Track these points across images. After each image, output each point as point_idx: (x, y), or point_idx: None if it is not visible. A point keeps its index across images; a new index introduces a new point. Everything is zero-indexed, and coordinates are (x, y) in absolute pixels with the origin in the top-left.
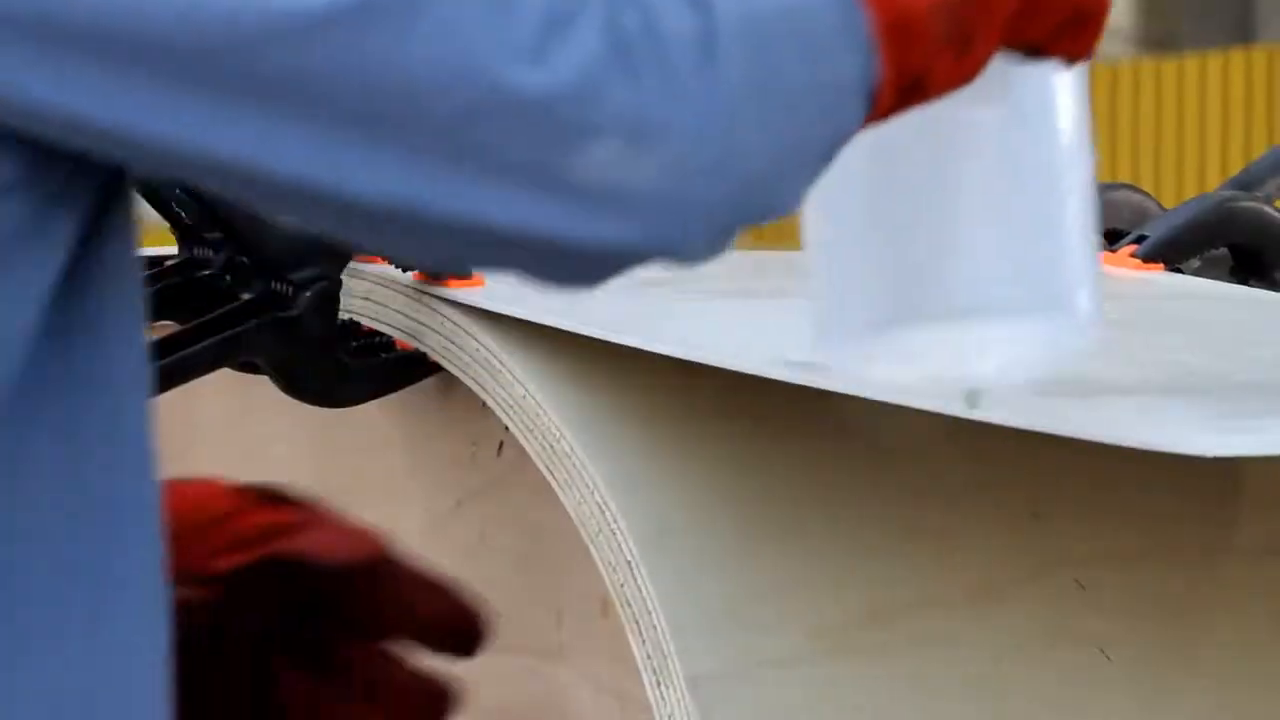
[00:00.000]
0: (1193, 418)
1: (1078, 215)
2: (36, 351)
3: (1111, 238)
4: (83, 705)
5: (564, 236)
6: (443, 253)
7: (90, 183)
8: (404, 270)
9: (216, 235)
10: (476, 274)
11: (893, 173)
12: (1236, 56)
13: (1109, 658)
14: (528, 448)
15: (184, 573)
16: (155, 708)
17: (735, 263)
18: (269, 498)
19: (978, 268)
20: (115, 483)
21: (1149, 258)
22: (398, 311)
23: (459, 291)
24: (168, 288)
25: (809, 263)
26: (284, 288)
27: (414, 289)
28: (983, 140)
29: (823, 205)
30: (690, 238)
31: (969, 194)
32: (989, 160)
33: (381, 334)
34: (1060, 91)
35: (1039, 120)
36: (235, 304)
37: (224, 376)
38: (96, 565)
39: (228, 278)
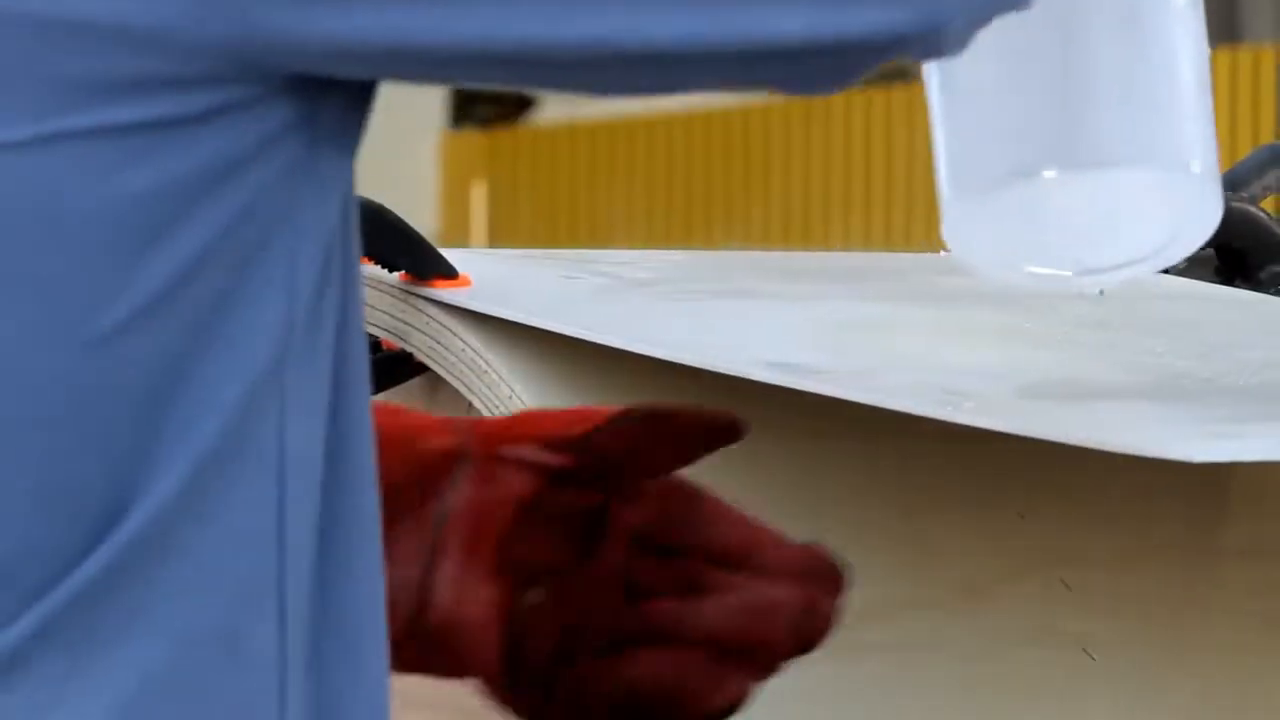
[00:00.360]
0: (1180, 423)
1: (1195, 82)
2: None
3: None
4: None
5: (843, 32)
6: (723, 78)
7: (355, 120)
8: (390, 270)
9: None
10: (462, 274)
11: (1022, 28)
12: (1222, 56)
13: (1094, 658)
14: None
15: (537, 438)
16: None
17: (725, 263)
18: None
19: (1100, 121)
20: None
21: None
22: (384, 312)
23: (445, 292)
24: None
25: (935, 118)
26: None
27: (400, 289)
28: (1106, 5)
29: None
30: (952, 22)
31: (1094, 52)
32: (1111, 24)
33: (368, 334)
34: None
35: None
36: None
37: None
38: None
39: None
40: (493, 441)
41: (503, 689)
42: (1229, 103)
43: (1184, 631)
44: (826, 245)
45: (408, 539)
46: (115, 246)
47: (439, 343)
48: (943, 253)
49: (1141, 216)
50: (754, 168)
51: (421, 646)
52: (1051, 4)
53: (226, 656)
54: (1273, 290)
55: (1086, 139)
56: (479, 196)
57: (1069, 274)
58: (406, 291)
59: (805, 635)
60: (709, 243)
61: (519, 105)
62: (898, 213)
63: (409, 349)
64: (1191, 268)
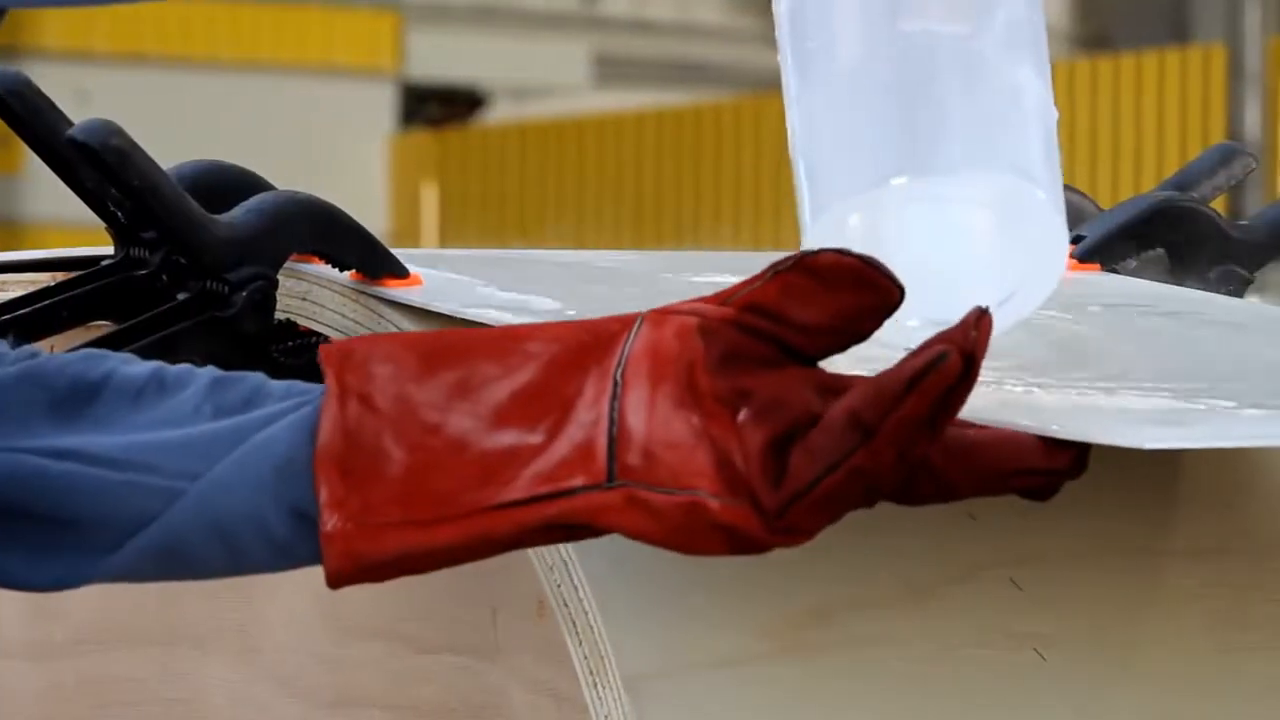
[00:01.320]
0: (1130, 413)
1: (1039, 111)
2: None
3: None
4: None
5: None
6: None
7: None
8: (341, 269)
9: (153, 235)
10: (414, 274)
11: (877, 56)
12: (1171, 56)
13: (1044, 658)
14: None
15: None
16: None
17: (675, 261)
18: None
19: (951, 134)
20: None
21: (1085, 258)
22: (334, 311)
23: (396, 291)
24: (104, 288)
25: (794, 144)
26: (220, 287)
27: (351, 289)
28: (955, 47)
29: (807, 86)
30: None
31: (942, 81)
32: (959, 61)
33: (318, 334)
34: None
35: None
36: (171, 304)
37: None
38: None
39: (164, 277)
40: (662, 310)
41: (725, 499)
42: (1179, 103)
43: (1134, 632)
44: (777, 245)
45: (593, 386)
46: None
47: None
48: None
49: (989, 256)
50: (704, 167)
51: (631, 475)
52: (897, 31)
53: None
54: (1224, 290)
55: (934, 149)
56: (429, 197)
57: (914, 324)
58: (358, 291)
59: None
60: (659, 243)
61: (469, 106)
62: None
63: None
64: (1143, 267)
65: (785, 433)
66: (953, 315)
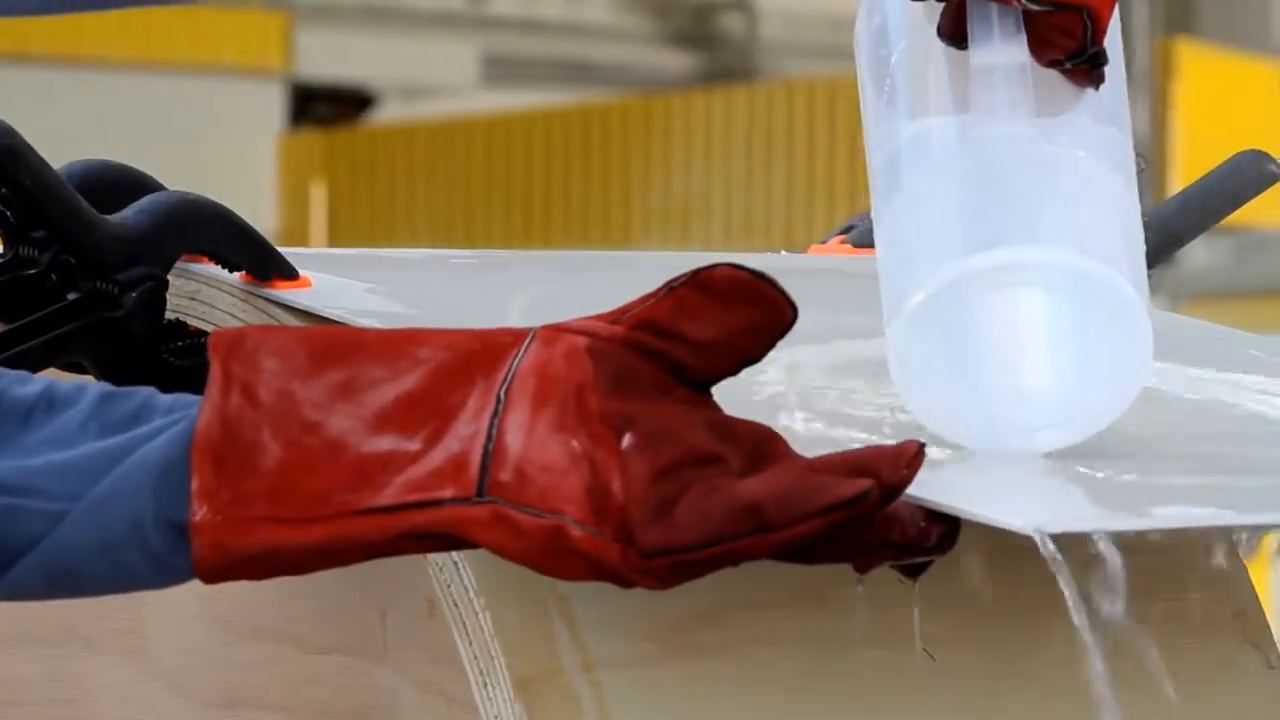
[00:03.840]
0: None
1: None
2: None
3: None
4: None
5: None
6: None
7: None
8: (230, 270)
9: (42, 234)
10: (303, 276)
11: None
12: None
13: (934, 659)
14: None
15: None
16: None
17: (564, 262)
18: None
19: (1039, 220)
20: None
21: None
22: (224, 311)
23: (285, 293)
24: None
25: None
26: (110, 287)
27: (240, 289)
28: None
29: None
30: None
31: (1027, 175)
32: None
33: (207, 334)
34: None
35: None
36: (61, 304)
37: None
38: None
39: (53, 277)
40: (554, 327)
41: (588, 528)
42: None
43: (1026, 633)
44: (665, 244)
45: (476, 400)
46: None
47: None
48: (783, 252)
49: (1072, 343)
50: (593, 167)
51: (501, 492)
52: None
53: None
54: None
55: (1022, 232)
56: (318, 196)
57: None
58: (247, 291)
59: (905, 462)
60: (547, 243)
61: (358, 106)
62: (738, 214)
63: None
64: None
65: (670, 466)
66: (1028, 411)
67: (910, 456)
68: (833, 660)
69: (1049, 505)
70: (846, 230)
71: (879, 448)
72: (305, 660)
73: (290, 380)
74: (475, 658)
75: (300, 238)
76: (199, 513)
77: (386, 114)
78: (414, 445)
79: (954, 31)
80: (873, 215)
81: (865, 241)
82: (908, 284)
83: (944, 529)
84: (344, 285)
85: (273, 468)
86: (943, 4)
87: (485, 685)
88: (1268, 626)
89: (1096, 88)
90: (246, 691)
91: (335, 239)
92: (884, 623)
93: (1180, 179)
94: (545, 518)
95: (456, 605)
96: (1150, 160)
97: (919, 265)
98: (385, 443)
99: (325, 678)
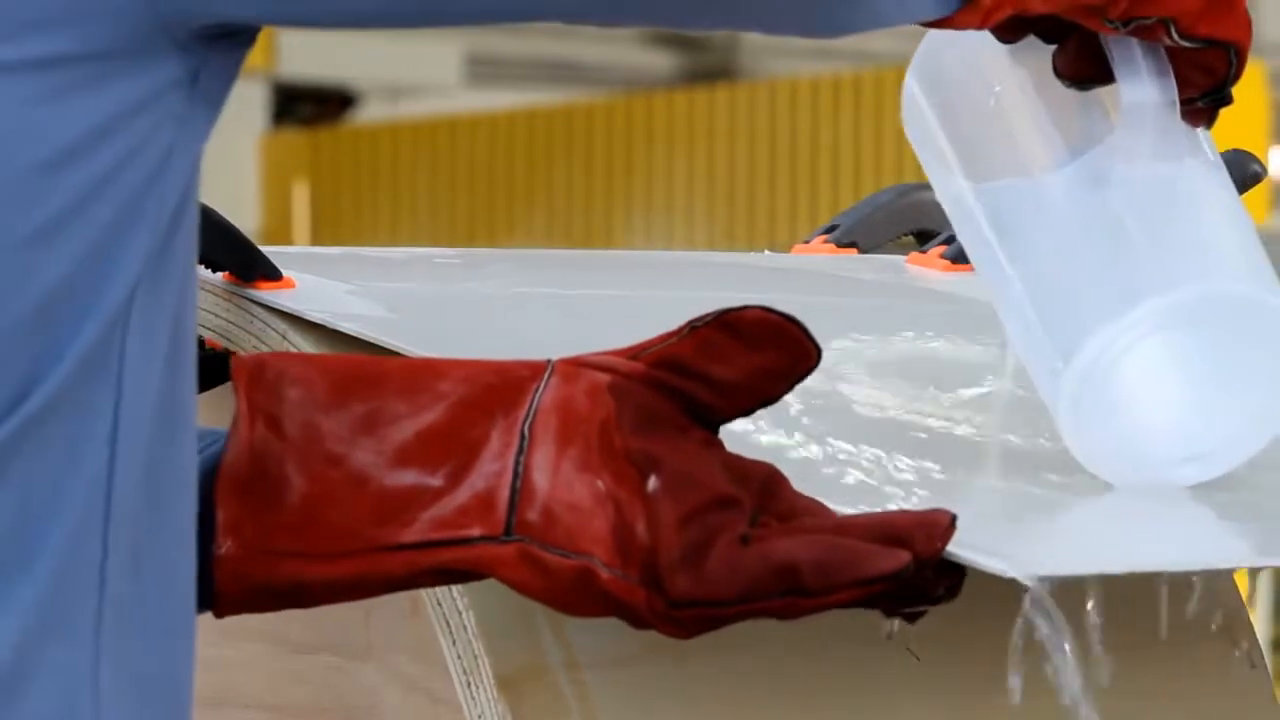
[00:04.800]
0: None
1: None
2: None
3: (922, 238)
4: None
5: None
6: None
7: (226, 81)
8: (214, 270)
9: None
10: (287, 277)
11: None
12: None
13: (919, 658)
14: None
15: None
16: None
17: (542, 261)
18: None
19: (1180, 255)
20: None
21: (958, 258)
22: (208, 311)
23: (268, 294)
24: None
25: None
26: None
27: (224, 290)
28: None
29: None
30: None
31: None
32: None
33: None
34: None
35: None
36: None
37: None
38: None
39: None
40: (572, 362)
41: (615, 570)
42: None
43: (1009, 633)
44: (648, 243)
45: (500, 436)
46: (35, 164)
47: (263, 342)
48: (766, 251)
49: (1238, 377)
50: (576, 167)
51: (529, 531)
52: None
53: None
54: None
55: (1167, 272)
56: (300, 196)
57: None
58: (231, 291)
59: (935, 533)
60: (530, 242)
61: (341, 105)
62: (721, 213)
63: (233, 348)
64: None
65: (695, 510)
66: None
67: (944, 529)
68: (817, 660)
69: (1045, 545)
70: (830, 230)
71: (911, 515)
72: (291, 659)
73: (314, 412)
74: (459, 657)
75: (283, 238)
76: (223, 545)
77: (369, 113)
78: (437, 481)
79: (1073, 72)
80: (999, 259)
81: (848, 241)
82: (1072, 329)
83: (951, 580)
84: (326, 286)
85: (297, 502)
86: (1051, 46)
87: (469, 684)
88: (1251, 626)
89: (1209, 127)
90: (233, 690)
91: (318, 239)
92: (868, 622)
93: None
94: (572, 558)
95: (440, 605)
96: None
97: (1079, 310)
98: (408, 477)
99: (311, 677)
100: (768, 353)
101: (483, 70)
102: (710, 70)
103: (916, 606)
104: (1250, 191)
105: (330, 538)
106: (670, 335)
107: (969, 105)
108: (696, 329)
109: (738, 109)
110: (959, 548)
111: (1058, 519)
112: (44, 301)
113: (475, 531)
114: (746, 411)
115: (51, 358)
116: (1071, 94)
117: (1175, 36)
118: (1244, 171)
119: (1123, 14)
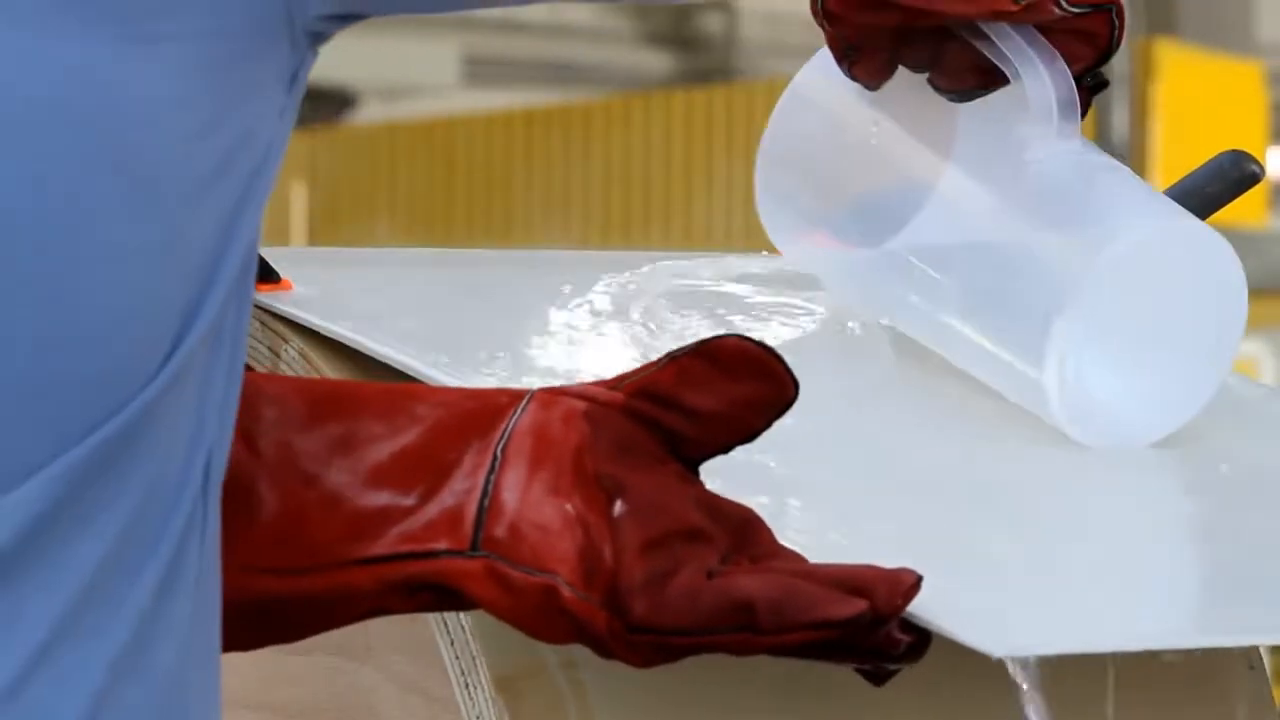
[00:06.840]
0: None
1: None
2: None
3: None
4: None
5: None
6: None
7: (305, 76)
8: None
9: None
10: (284, 279)
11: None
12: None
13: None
14: None
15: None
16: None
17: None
18: None
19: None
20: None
21: None
22: None
23: (266, 296)
24: None
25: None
26: None
27: None
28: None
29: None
30: None
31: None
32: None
33: None
34: None
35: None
36: None
37: None
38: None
39: None
40: (552, 391)
41: (578, 590)
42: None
43: None
44: (646, 244)
45: (473, 458)
46: (192, 122)
47: (261, 344)
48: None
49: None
50: (574, 167)
51: (495, 548)
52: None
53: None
54: None
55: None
56: (298, 196)
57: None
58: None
59: (900, 589)
60: (528, 242)
61: (339, 106)
62: (718, 214)
63: None
64: None
65: (660, 537)
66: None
67: (907, 588)
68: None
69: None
70: None
71: (877, 570)
72: (287, 660)
73: (290, 432)
74: (456, 657)
75: (281, 238)
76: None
77: (367, 114)
78: (409, 500)
79: (957, 84)
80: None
81: None
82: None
83: (914, 639)
84: (325, 288)
85: (270, 520)
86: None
87: (466, 684)
88: None
89: (1086, 110)
90: (229, 691)
91: (316, 239)
92: None
93: (1161, 180)
94: (537, 575)
95: None
96: (1129, 160)
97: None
98: (381, 498)
99: (307, 677)
100: (746, 383)
101: (480, 71)
102: (709, 70)
103: (876, 664)
104: (1249, 192)
105: (300, 554)
106: (650, 365)
107: (846, 162)
108: (675, 358)
109: (736, 109)
110: (922, 610)
111: (1034, 585)
112: (192, 265)
113: (442, 545)
114: (725, 447)
115: (191, 320)
116: (936, 112)
117: (1064, 5)
118: (1242, 172)
119: None
